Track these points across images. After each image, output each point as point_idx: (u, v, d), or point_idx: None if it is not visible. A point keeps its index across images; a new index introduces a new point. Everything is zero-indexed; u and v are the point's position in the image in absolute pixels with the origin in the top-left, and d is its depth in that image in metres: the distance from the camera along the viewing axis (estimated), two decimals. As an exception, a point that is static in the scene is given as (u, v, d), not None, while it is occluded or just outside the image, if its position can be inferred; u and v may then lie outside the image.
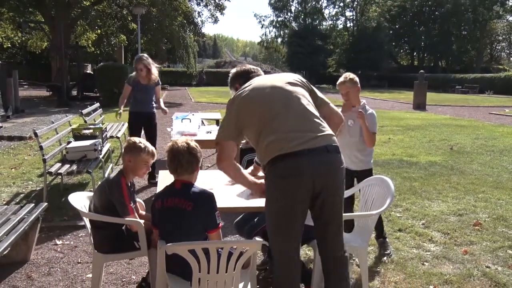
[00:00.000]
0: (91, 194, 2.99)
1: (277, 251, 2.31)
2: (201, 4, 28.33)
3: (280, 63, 59.07)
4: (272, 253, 2.34)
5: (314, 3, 53.21)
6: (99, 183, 3.27)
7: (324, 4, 54.76)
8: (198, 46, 36.69)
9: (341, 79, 3.74)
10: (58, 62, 19.48)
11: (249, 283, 2.34)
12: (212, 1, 27.91)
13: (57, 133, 5.58)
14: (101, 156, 5.42)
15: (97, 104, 8.24)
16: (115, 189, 2.69)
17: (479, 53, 48.64)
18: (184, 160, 2.36)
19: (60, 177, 5.55)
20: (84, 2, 20.88)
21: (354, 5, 51.71)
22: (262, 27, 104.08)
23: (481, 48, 49.06)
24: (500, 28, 51.26)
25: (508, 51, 58.08)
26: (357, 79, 3.73)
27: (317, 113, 2.35)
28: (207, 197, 2.34)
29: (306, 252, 3.69)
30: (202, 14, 43.62)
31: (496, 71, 42.59)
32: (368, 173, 3.66)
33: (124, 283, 3.22)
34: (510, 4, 46.78)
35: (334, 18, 53.85)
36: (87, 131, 5.74)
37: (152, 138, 5.85)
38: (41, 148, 4.73)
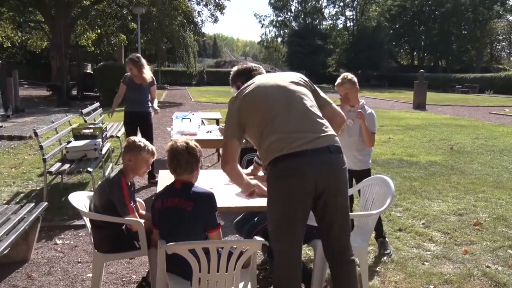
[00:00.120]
0: (91, 193, 2.99)
1: (278, 251, 2.30)
2: (201, 3, 28.32)
3: (280, 63, 59.07)
4: (274, 253, 2.34)
5: (314, 2, 53.24)
6: (99, 182, 3.27)
7: (324, 4, 54.79)
8: (198, 45, 36.70)
9: (339, 81, 3.69)
10: (58, 61, 19.49)
11: (249, 282, 2.34)
12: (212, 1, 27.89)
13: (57, 133, 5.58)
14: (101, 156, 5.42)
15: (97, 104, 8.24)
16: (115, 189, 2.69)
17: (479, 52, 48.64)
18: (183, 160, 2.36)
19: (60, 176, 5.56)
20: (84, 2, 20.90)
21: (354, 4, 51.71)
22: (262, 26, 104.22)
23: (481, 48, 49.06)
24: (500, 27, 51.26)
25: (508, 51, 58.12)
26: (355, 79, 3.70)
27: (319, 113, 2.34)
28: (207, 197, 2.33)
29: (306, 252, 3.69)
30: (202, 14, 43.66)
31: (496, 70, 42.59)
32: (366, 173, 3.66)
33: (124, 283, 3.22)
34: (510, 3, 46.81)
35: (334, 17, 53.94)
36: (87, 131, 5.75)
37: (148, 138, 5.85)
38: (41, 147, 4.73)
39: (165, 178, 2.86)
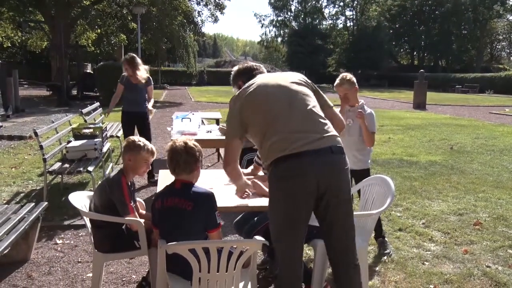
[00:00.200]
0: (91, 193, 2.98)
1: (281, 252, 2.29)
2: (201, 3, 28.33)
3: (280, 63, 59.06)
4: (276, 254, 2.33)
5: (314, 2, 53.23)
6: (99, 182, 3.27)
7: (324, 4, 54.74)
8: (198, 45, 36.69)
9: (338, 81, 3.68)
10: (58, 61, 19.49)
11: (249, 282, 2.34)
12: (212, 1, 27.89)
13: (57, 133, 5.58)
14: (101, 156, 5.42)
15: (97, 104, 8.24)
16: (115, 188, 2.69)
17: (479, 52, 48.64)
18: (181, 160, 2.36)
19: (60, 176, 5.55)
20: (84, 2, 20.90)
21: (354, 4, 51.70)
22: (262, 26, 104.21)
23: (481, 48, 49.06)
24: (501, 27, 51.26)
25: (508, 51, 58.12)
26: (354, 79, 3.69)
27: (322, 114, 2.33)
28: (207, 197, 2.33)
29: (306, 251, 3.69)
30: (202, 14, 43.55)
31: (496, 70, 42.59)
32: (366, 173, 3.66)
33: (124, 283, 3.22)
34: (510, 3, 46.80)
35: (334, 17, 53.93)
36: (87, 131, 5.75)
37: (146, 138, 5.86)
38: (41, 147, 4.73)
39: (165, 178, 2.86)
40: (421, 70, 20.75)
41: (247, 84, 2.44)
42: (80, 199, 2.87)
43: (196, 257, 2.10)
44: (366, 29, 47.97)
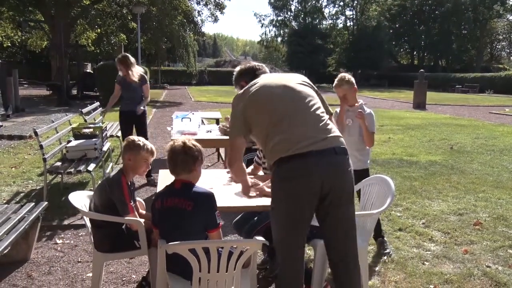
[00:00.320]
0: (91, 193, 2.98)
1: (282, 252, 2.29)
2: (201, 3, 28.34)
3: (280, 62, 59.07)
4: (277, 254, 2.33)
5: (314, 2, 53.23)
6: (99, 182, 3.26)
7: (324, 3, 54.77)
8: (198, 45, 36.71)
9: (336, 82, 3.67)
10: (58, 61, 19.48)
11: (249, 282, 2.34)
12: (212, 0, 27.90)
13: (57, 132, 5.58)
14: (101, 155, 5.42)
15: (97, 103, 8.25)
16: (115, 188, 2.69)
17: (479, 52, 48.65)
18: (179, 159, 2.36)
19: (60, 176, 5.55)
20: (84, 1, 20.89)
21: (354, 4, 51.69)
22: (262, 26, 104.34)
23: (481, 47, 49.07)
24: (501, 27, 51.26)
25: (508, 50, 58.10)
26: (352, 79, 3.69)
27: (325, 115, 2.33)
28: (207, 197, 2.33)
29: (306, 251, 3.68)
30: (202, 13, 43.45)
31: (496, 70, 42.57)
32: (365, 173, 3.65)
33: (124, 282, 3.22)
34: (510, 3, 46.81)
35: (334, 17, 53.93)
36: (87, 130, 5.75)
37: (143, 137, 5.87)
38: (41, 147, 4.73)
39: (165, 177, 2.86)
40: (421, 70, 20.76)
41: (250, 84, 2.43)
42: (80, 199, 2.87)
43: (196, 257, 2.10)
44: (366, 28, 47.97)
